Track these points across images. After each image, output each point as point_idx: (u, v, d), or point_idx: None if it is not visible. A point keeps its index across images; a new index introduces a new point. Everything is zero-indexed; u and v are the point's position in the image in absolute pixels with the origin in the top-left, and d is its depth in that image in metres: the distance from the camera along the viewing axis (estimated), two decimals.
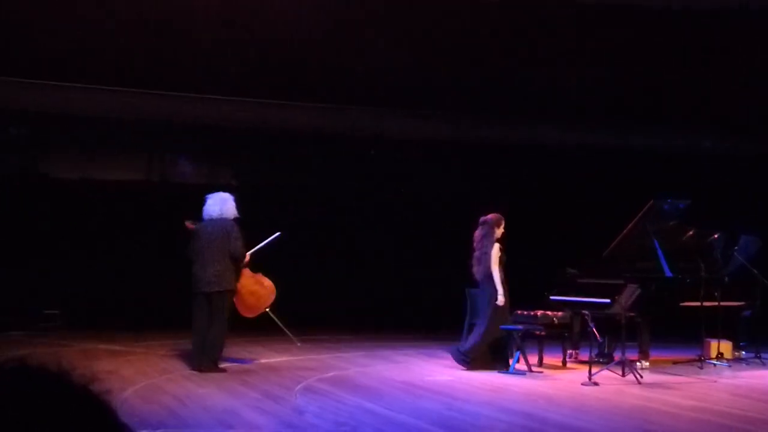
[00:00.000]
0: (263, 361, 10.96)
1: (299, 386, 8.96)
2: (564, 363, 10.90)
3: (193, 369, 9.86)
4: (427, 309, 14.87)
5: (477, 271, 10.60)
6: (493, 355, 10.49)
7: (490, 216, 10.66)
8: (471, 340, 10.56)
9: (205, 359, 9.86)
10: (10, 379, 1.10)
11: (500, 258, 10.48)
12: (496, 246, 10.49)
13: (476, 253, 10.62)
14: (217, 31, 14.45)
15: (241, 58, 14.51)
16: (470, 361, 10.41)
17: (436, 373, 10.30)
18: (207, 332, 9.96)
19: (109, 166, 15.35)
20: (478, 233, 10.66)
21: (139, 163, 15.56)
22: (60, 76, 13.70)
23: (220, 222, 10.09)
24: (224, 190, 10.73)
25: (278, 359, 11.15)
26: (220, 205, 10.22)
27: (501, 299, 10.39)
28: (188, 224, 10.30)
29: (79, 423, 1.09)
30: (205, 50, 14.35)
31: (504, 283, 10.49)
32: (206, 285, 9.96)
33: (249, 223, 15.49)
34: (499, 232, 10.59)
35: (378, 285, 15.73)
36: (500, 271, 10.47)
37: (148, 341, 12.37)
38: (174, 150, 15.31)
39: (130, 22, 14.07)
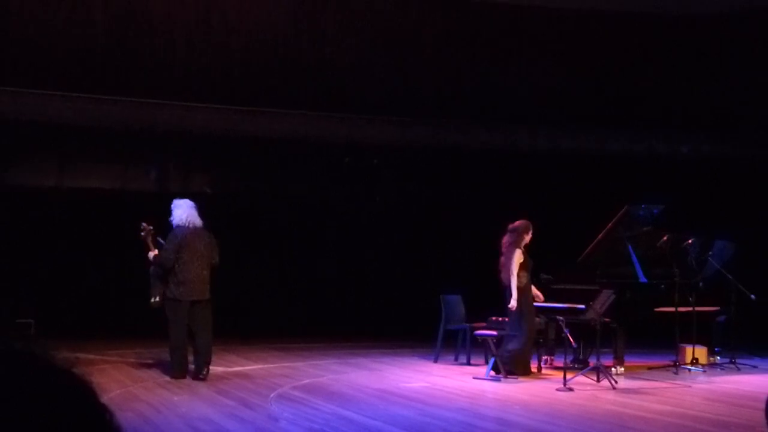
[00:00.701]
0: (237, 368, 10.89)
1: (274, 393, 8.91)
2: (539, 369, 10.91)
3: (194, 378, 9.79)
4: (402, 316, 14.85)
5: (503, 277, 10.62)
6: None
7: (518, 223, 10.69)
8: (511, 347, 10.49)
9: (203, 365, 9.84)
10: None
11: (523, 263, 10.49)
12: (518, 252, 10.53)
13: (502, 259, 10.64)
14: (193, 38, 14.41)
15: (217, 65, 14.47)
16: (512, 369, 10.33)
17: (410, 379, 10.27)
18: (197, 340, 9.94)
19: (83, 174, 15.23)
20: (506, 239, 10.68)
21: (114, 172, 15.44)
22: (33, 83, 13.59)
23: (201, 230, 10.05)
24: (198, 198, 10.66)
25: (252, 367, 11.09)
26: (195, 212, 10.15)
27: (512, 304, 10.38)
28: (149, 229, 10.17)
29: (62, 405, 1.09)
30: (179, 58, 14.30)
31: (526, 288, 10.49)
32: (198, 293, 9.92)
33: (223, 231, 15.45)
34: (527, 238, 10.60)
35: (352, 292, 15.71)
36: (523, 276, 10.48)
37: (122, 349, 12.27)
38: (148, 158, 15.20)
39: (106, 28, 14.01)
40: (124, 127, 14.31)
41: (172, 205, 10.21)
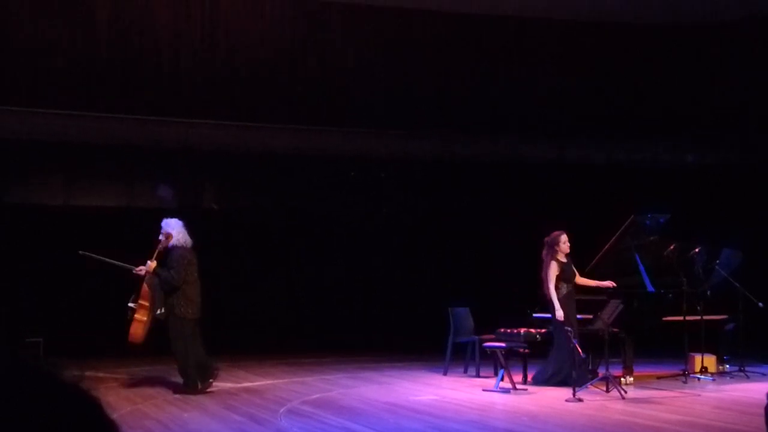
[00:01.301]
0: (246, 384, 10.90)
1: (283, 409, 8.91)
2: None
3: (199, 392, 9.90)
4: (411, 329, 14.84)
5: (543, 291, 10.64)
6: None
7: (551, 234, 10.70)
8: (553, 365, 10.52)
9: (208, 378, 10.00)
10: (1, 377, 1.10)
11: (560, 275, 10.52)
12: (553, 264, 10.57)
13: (541, 273, 10.67)
14: (198, 54, 14.47)
15: (221, 81, 14.53)
16: (557, 383, 10.31)
17: (420, 392, 10.27)
18: (200, 355, 10.09)
19: (89, 192, 15.27)
20: (543, 253, 10.75)
21: (120, 189, 15.48)
22: (38, 102, 13.66)
23: (193, 249, 10.27)
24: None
25: (261, 382, 11.09)
26: (186, 231, 10.36)
27: (558, 314, 10.40)
28: (159, 250, 10.27)
29: (69, 420, 1.09)
30: (185, 74, 14.36)
31: (567, 299, 10.49)
32: (201, 311, 10.17)
33: (230, 246, 15.49)
34: (563, 248, 10.61)
35: (360, 306, 15.71)
36: (563, 287, 10.51)
37: (131, 367, 12.28)
38: (154, 175, 15.25)
39: (110, 46, 14.08)
40: (129, 145, 14.37)
41: (165, 225, 10.30)
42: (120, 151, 14.50)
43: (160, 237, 10.25)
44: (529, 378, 10.76)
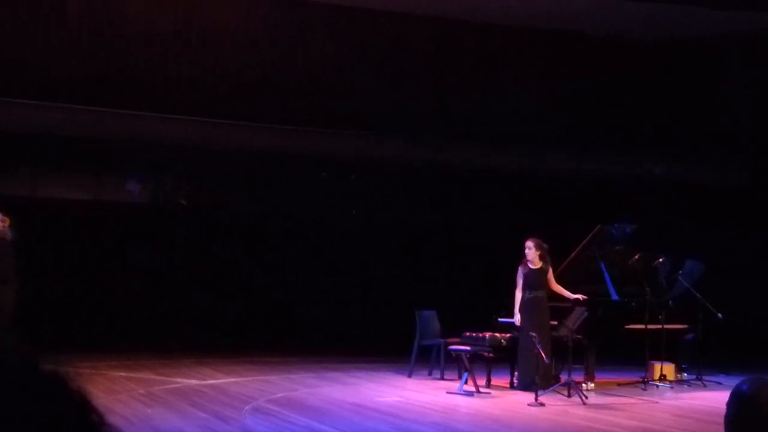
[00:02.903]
0: (211, 381, 10.91)
1: (248, 407, 8.95)
2: (511, 384, 11.01)
3: None
4: (377, 331, 14.92)
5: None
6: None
7: None
8: (519, 370, 10.73)
9: None
10: None
11: (523, 282, 10.70)
12: (519, 270, 10.78)
13: None
14: (170, 49, 14.44)
15: (194, 77, 14.51)
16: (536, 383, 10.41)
17: (384, 394, 10.34)
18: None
19: (56, 184, 15.17)
20: None
21: (88, 182, 15.40)
22: (6, 92, 13.55)
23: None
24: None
25: (226, 380, 11.11)
26: None
27: (515, 319, 10.67)
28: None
29: (56, 412, 1.11)
30: (157, 69, 14.32)
31: (524, 305, 10.63)
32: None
33: (197, 243, 15.47)
34: (526, 254, 10.75)
35: (327, 306, 15.75)
36: (524, 294, 10.65)
37: (94, 361, 12.23)
38: (122, 169, 15.18)
39: (81, 37, 14.01)
40: (98, 137, 14.28)
41: None
42: (88, 143, 14.41)
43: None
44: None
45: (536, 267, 10.76)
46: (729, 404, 2.28)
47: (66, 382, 1.15)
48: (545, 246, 10.86)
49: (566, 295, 10.89)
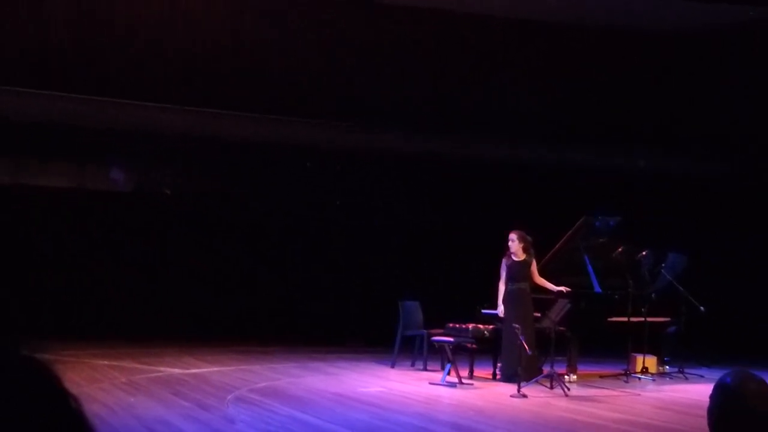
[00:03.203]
0: (194, 371, 10.89)
1: (230, 396, 8.93)
2: (494, 375, 11.04)
3: None
4: (360, 321, 14.93)
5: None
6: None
7: None
8: (502, 361, 10.76)
9: None
10: None
11: (506, 274, 10.74)
12: (502, 263, 10.79)
13: None
14: (155, 37, 14.36)
15: (178, 66, 14.43)
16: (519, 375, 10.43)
17: (367, 384, 10.35)
18: None
19: (40, 172, 15.08)
20: None
21: (71, 171, 15.31)
22: None
23: None
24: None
25: (209, 369, 11.09)
26: None
27: (498, 310, 10.68)
28: None
29: (25, 390, 1.12)
30: (140, 57, 14.24)
31: (507, 297, 10.66)
32: None
33: (181, 231, 15.42)
34: (512, 246, 10.78)
35: (310, 296, 15.74)
36: (507, 285, 10.72)
37: (76, 350, 12.18)
38: (106, 157, 15.10)
39: (65, 24, 13.91)
40: (82, 125, 14.20)
41: None
42: (72, 131, 14.33)
43: None
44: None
45: (519, 259, 10.78)
46: (712, 397, 2.28)
47: (44, 369, 1.15)
48: (529, 238, 10.88)
49: (549, 288, 10.92)
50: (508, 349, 10.47)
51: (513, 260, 10.78)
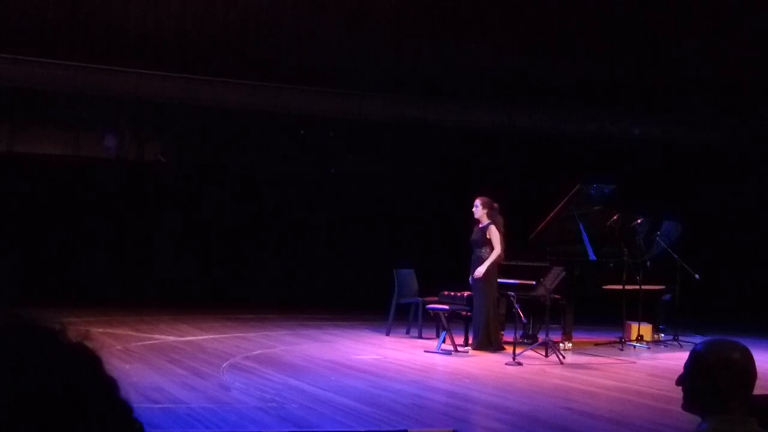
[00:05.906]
0: (189, 338, 10.89)
1: (226, 363, 8.94)
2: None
3: None
4: (354, 288, 14.93)
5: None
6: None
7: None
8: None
9: None
10: (4, 336, 1.10)
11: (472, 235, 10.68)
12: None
13: None
14: (149, 3, 14.23)
15: (171, 32, 14.32)
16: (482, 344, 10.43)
17: (362, 352, 10.36)
18: None
19: (35, 139, 14.99)
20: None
21: (66, 138, 15.23)
22: None
23: None
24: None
25: (205, 337, 11.10)
26: None
27: (477, 271, 10.44)
28: None
29: (68, 376, 1.11)
30: (136, 24, 14.12)
31: (477, 260, 10.57)
32: None
33: (173, 200, 15.37)
34: (475, 212, 10.62)
35: (304, 264, 15.74)
36: (476, 249, 10.63)
37: (70, 317, 12.17)
38: (100, 124, 15.01)
39: None
40: (76, 93, 14.11)
41: None
42: (66, 98, 14.23)
43: None
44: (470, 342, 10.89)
45: (482, 226, 10.64)
46: (684, 364, 2.28)
47: (84, 345, 1.16)
48: (495, 204, 10.61)
49: (495, 261, 10.54)
50: (476, 316, 10.47)
51: (477, 227, 10.65)
